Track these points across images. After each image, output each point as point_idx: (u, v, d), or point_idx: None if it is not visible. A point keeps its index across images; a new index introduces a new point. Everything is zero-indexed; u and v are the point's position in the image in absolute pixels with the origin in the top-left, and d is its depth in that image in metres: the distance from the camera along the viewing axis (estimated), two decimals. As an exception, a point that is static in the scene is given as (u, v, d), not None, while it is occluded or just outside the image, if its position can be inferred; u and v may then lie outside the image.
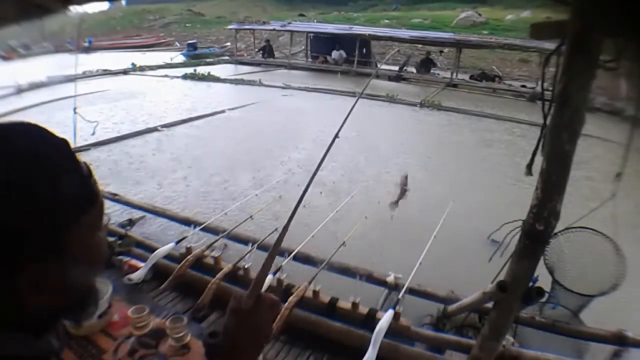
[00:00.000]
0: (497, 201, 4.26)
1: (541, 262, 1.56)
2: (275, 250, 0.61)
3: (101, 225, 0.50)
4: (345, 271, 2.41)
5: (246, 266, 2.30)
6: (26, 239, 0.39)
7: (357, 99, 0.86)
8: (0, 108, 6.41)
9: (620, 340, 2.00)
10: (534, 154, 1.39)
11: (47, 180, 0.41)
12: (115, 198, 3.30)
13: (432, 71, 14.71)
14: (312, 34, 16.42)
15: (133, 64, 12.84)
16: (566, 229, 2.13)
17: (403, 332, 1.96)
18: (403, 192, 1.65)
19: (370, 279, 2.40)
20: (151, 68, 12.96)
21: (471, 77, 14.21)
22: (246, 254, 2.39)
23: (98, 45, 19.08)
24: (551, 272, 2.17)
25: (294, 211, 0.64)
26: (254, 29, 17.09)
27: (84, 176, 0.46)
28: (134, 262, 2.32)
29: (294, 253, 2.39)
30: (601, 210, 1.99)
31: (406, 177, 1.61)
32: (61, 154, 0.45)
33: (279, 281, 2.18)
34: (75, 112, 4.14)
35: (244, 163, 4.99)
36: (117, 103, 7.91)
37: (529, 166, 1.45)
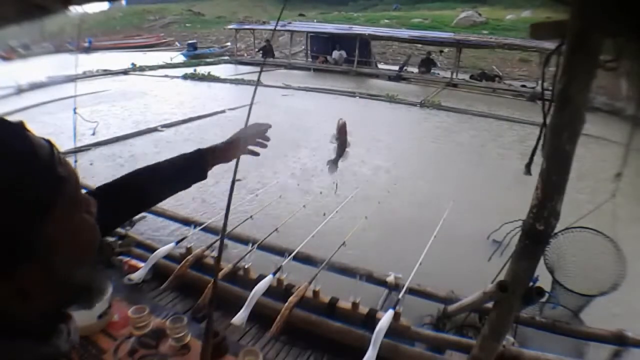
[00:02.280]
0: (497, 201, 4.26)
1: (541, 262, 1.56)
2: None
3: (80, 205, 0.44)
4: (345, 271, 2.41)
5: (246, 266, 2.30)
6: (2, 245, 0.36)
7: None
8: (0, 108, 6.41)
9: (620, 340, 2.00)
10: (532, 154, 1.39)
11: (1, 175, 0.36)
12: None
13: (432, 71, 14.70)
14: (312, 34, 16.42)
15: (133, 64, 12.85)
16: (566, 229, 2.13)
17: (403, 332, 1.96)
18: (342, 146, 1.23)
19: (370, 279, 2.40)
20: (151, 68, 12.98)
21: (471, 77, 14.22)
22: (246, 254, 2.39)
23: (98, 45, 19.08)
24: (551, 272, 2.17)
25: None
26: (254, 29, 17.10)
27: (43, 160, 0.40)
28: (134, 262, 2.33)
29: (294, 253, 2.39)
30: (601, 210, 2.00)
31: (344, 125, 1.21)
32: (16, 142, 0.39)
33: (279, 281, 2.18)
34: (75, 112, 4.14)
35: (244, 163, 4.99)
36: (117, 103, 7.91)
37: (528, 166, 1.45)
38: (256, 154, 1.04)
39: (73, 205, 0.43)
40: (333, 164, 1.25)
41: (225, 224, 0.83)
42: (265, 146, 1.05)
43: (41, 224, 0.38)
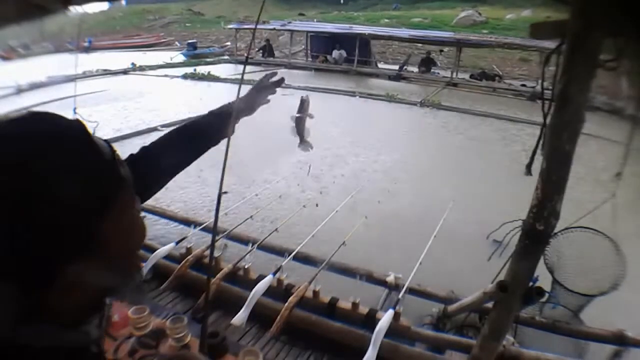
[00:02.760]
0: (497, 201, 4.26)
1: (541, 262, 1.56)
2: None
3: (133, 204, 0.47)
4: (345, 271, 2.41)
5: (246, 266, 2.30)
6: (63, 238, 0.37)
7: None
8: (0, 108, 6.41)
9: (620, 340, 2.00)
10: (533, 154, 1.38)
11: (77, 169, 0.39)
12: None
13: (432, 70, 14.70)
14: (312, 34, 16.41)
15: (133, 63, 12.83)
16: (566, 228, 2.13)
17: (403, 332, 1.96)
18: (301, 122, 1.18)
19: (370, 279, 2.40)
20: (151, 68, 12.96)
21: (471, 76, 14.20)
22: (246, 254, 2.39)
23: (98, 45, 19.06)
24: (551, 272, 2.17)
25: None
26: (254, 29, 17.07)
27: (108, 159, 0.43)
28: (134, 262, 2.32)
29: (294, 253, 2.39)
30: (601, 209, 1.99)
31: (305, 102, 1.17)
32: (79, 138, 0.41)
33: (279, 281, 2.18)
34: (75, 112, 4.14)
35: (244, 162, 4.99)
36: (117, 103, 7.91)
37: (529, 166, 1.45)
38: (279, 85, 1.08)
39: (128, 203, 0.45)
40: (303, 143, 1.25)
41: (214, 236, 0.83)
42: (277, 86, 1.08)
43: (102, 220, 0.40)
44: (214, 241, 0.91)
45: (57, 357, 0.41)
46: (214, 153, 0.97)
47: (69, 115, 0.44)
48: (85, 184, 0.39)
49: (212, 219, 2.75)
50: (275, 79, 1.06)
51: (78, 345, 0.43)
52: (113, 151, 0.44)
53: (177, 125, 0.90)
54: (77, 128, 0.42)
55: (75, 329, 0.43)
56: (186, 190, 4.17)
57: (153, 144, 0.85)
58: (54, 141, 0.39)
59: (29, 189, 0.35)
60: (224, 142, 0.97)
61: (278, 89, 1.08)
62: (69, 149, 0.39)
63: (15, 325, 0.37)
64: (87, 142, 0.42)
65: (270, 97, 1.09)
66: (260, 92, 1.04)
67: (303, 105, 1.19)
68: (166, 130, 0.91)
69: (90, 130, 0.43)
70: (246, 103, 1.01)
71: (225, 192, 1.02)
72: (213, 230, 0.85)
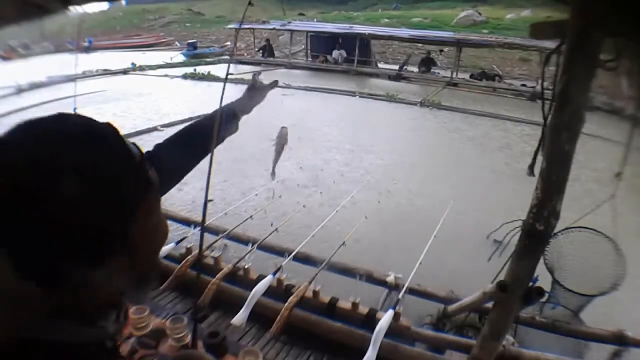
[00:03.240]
0: (497, 201, 4.26)
1: (541, 262, 1.56)
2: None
3: (158, 205, 0.49)
4: (345, 271, 2.40)
5: (246, 266, 2.30)
6: (101, 234, 0.39)
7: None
8: (0, 108, 6.41)
9: (620, 340, 2.00)
10: (535, 154, 1.38)
11: (112, 169, 0.40)
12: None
13: (432, 70, 14.70)
14: (312, 33, 16.40)
15: (133, 63, 12.83)
16: (566, 228, 2.13)
17: (403, 332, 1.96)
18: (279, 152, 1.24)
19: (370, 279, 2.40)
20: (151, 68, 12.95)
21: (471, 76, 14.20)
22: (246, 254, 2.39)
23: (98, 45, 19.05)
24: (551, 272, 2.17)
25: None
26: (253, 28, 17.08)
27: (140, 161, 0.44)
28: (134, 262, 2.32)
29: (294, 253, 2.39)
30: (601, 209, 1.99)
31: (285, 133, 1.23)
32: (117, 141, 0.43)
33: (279, 281, 2.18)
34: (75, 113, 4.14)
35: (244, 162, 4.99)
36: (117, 103, 7.91)
37: (531, 166, 1.45)
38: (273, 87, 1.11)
39: (154, 205, 0.47)
40: (272, 171, 1.24)
41: (202, 240, 0.84)
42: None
43: (131, 220, 0.41)
44: (201, 248, 0.91)
45: (74, 352, 0.41)
46: (230, 150, 0.98)
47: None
48: (119, 186, 0.40)
49: (212, 219, 2.75)
50: (268, 81, 1.11)
51: (95, 341, 0.44)
52: (142, 154, 0.46)
53: (179, 129, 0.93)
54: (110, 131, 0.43)
55: (93, 324, 0.44)
56: (186, 191, 4.16)
57: (158, 145, 0.87)
58: (91, 143, 0.40)
59: (67, 189, 0.36)
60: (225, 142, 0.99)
61: (278, 90, 1.10)
62: (104, 152, 0.41)
63: (42, 321, 0.39)
64: (121, 145, 0.43)
65: (267, 97, 1.12)
66: (254, 93, 1.08)
67: (282, 135, 1.22)
68: (166, 130, 0.92)
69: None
70: (241, 105, 1.05)
71: (211, 200, 1.06)
72: (200, 236, 0.85)
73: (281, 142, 1.23)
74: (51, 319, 0.40)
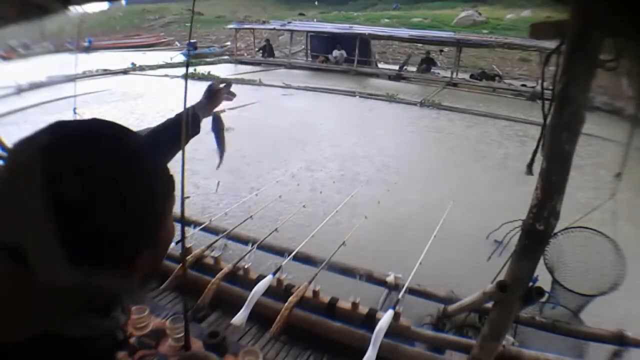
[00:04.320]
0: (497, 201, 4.26)
1: (541, 262, 1.56)
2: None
3: (173, 207, 0.51)
4: (345, 271, 2.41)
5: (246, 266, 2.30)
6: (140, 232, 0.41)
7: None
8: (0, 108, 6.41)
9: (620, 340, 2.00)
10: (534, 154, 1.38)
11: (149, 171, 0.42)
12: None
13: (432, 70, 14.70)
14: (312, 33, 16.40)
15: (133, 63, 12.83)
16: (566, 228, 2.13)
17: (403, 332, 1.96)
18: (221, 142, 1.14)
19: (370, 279, 2.40)
20: (151, 68, 12.94)
21: (471, 76, 14.20)
22: (246, 254, 2.39)
23: (98, 45, 19.05)
24: (551, 272, 2.17)
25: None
26: (253, 29, 17.08)
27: (167, 170, 0.47)
28: (134, 262, 2.32)
29: (294, 253, 2.39)
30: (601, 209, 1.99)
31: (219, 117, 1.13)
32: (143, 144, 0.45)
33: (279, 281, 2.18)
34: (75, 113, 4.14)
35: (244, 162, 4.99)
36: (117, 103, 7.91)
37: (530, 166, 1.45)
38: (231, 98, 1.20)
39: (172, 206, 0.49)
40: (219, 161, 1.20)
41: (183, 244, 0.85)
42: (232, 97, 1.21)
43: (160, 222, 0.44)
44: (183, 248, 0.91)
45: (93, 343, 0.43)
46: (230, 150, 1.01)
47: (69, 115, 0.44)
48: (151, 190, 0.42)
49: (212, 220, 2.75)
50: (222, 85, 1.18)
51: (109, 331, 0.47)
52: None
53: (148, 130, 0.97)
54: (139, 138, 0.45)
55: (107, 315, 0.46)
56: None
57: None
58: (129, 150, 0.42)
59: (100, 193, 0.37)
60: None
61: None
62: (139, 157, 0.43)
63: (65, 317, 0.40)
64: (150, 149, 0.45)
65: (233, 98, 1.21)
66: (212, 96, 1.14)
67: (217, 121, 1.15)
68: None
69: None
70: (201, 107, 1.11)
71: (188, 197, 1.09)
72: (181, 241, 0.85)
73: (218, 127, 1.14)
74: (74, 314, 0.41)
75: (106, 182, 0.37)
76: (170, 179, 0.47)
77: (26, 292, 0.37)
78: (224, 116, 1.15)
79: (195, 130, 1.04)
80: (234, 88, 1.21)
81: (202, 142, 1.15)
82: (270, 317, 1.94)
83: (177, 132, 0.98)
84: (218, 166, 1.19)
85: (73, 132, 0.40)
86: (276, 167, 4.98)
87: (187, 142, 1.01)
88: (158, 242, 0.45)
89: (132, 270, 0.42)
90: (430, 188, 4.61)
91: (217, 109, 1.14)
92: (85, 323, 0.42)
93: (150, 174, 0.43)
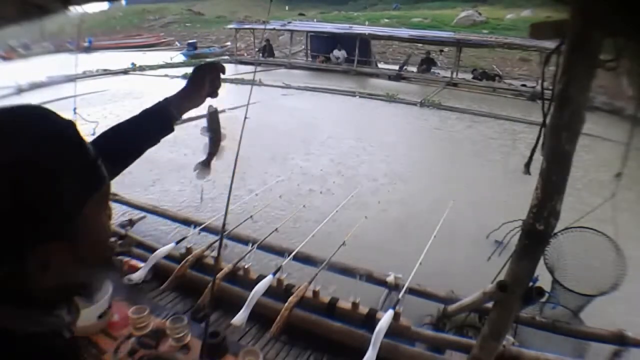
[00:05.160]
0: (497, 201, 4.26)
1: (541, 262, 1.56)
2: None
3: (106, 205, 0.51)
4: (345, 271, 2.41)
5: (246, 266, 2.30)
6: (40, 220, 0.41)
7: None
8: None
9: (620, 340, 2.00)
10: (532, 153, 1.39)
11: (62, 162, 0.43)
12: (115, 198, 3.30)
13: (432, 70, 14.70)
14: (312, 34, 16.40)
15: (133, 63, 12.83)
16: (566, 228, 2.13)
17: (403, 332, 1.96)
18: (216, 141, 0.96)
19: (370, 279, 2.40)
20: (151, 68, 12.94)
21: (473, 72, 14.21)
22: (246, 254, 2.39)
23: (98, 45, 19.06)
24: (551, 272, 2.17)
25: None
26: (253, 29, 17.08)
27: (94, 159, 0.48)
28: (134, 262, 2.32)
29: (294, 253, 2.39)
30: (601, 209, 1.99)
31: (216, 113, 0.95)
32: (73, 136, 0.46)
33: (279, 281, 2.18)
34: (75, 113, 4.14)
35: (244, 162, 4.99)
36: (117, 103, 7.91)
37: (527, 165, 1.45)
38: (216, 95, 0.93)
39: (101, 205, 0.50)
40: (203, 166, 0.99)
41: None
42: (216, 89, 0.93)
43: (76, 212, 0.44)
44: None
45: (36, 340, 0.43)
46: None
47: (69, 115, 0.45)
48: (64, 177, 0.43)
49: (212, 219, 2.75)
50: (216, 69, 0.92)
51: (52, 329, 0.47)
52: (97, 153, 0.49)
53: (107, 129, 0.83)
54: (72, 128, 0.47)
55: (49, 313, 0.47)
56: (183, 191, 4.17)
57: (102, 136, 0.81)
58: (52, 139, 0.43)
59: (24, 178, 0.39)
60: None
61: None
62: (64, 147, 0.44)
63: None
64: (79, 142, 0.47)
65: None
66: (192, 84, 0.90)
67: (212, 118, 0.95)
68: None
69: (82, 132, 0.48)
70: (177, 103, 0.89)
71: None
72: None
73: (213, 126, 0.95)
74: (10, 306, 0.42)
75: (6, 163, 0.39)
76: (96, 172, 0.48)
77: None
78: (222, 117, 0.97)
79: (165, 128, 0.87)
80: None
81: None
82: (271, 317, 1.94)
83: (137, 130, 0.85)
84: (206, 171, 0.99)
85: None
86: (276, 167, 4.98)
87: (156, 142, 0.87)
88: (74, 234, 0.44)
89: (37, 261, 0.42)
90: (431, 188, 4.60)
91: (216, 108, 0.95)
92: (19, 316, 0.42)
93: (66, 162, 0.43)
